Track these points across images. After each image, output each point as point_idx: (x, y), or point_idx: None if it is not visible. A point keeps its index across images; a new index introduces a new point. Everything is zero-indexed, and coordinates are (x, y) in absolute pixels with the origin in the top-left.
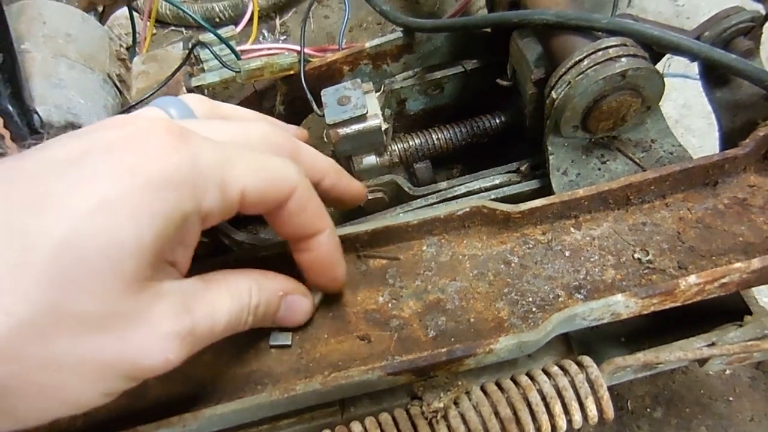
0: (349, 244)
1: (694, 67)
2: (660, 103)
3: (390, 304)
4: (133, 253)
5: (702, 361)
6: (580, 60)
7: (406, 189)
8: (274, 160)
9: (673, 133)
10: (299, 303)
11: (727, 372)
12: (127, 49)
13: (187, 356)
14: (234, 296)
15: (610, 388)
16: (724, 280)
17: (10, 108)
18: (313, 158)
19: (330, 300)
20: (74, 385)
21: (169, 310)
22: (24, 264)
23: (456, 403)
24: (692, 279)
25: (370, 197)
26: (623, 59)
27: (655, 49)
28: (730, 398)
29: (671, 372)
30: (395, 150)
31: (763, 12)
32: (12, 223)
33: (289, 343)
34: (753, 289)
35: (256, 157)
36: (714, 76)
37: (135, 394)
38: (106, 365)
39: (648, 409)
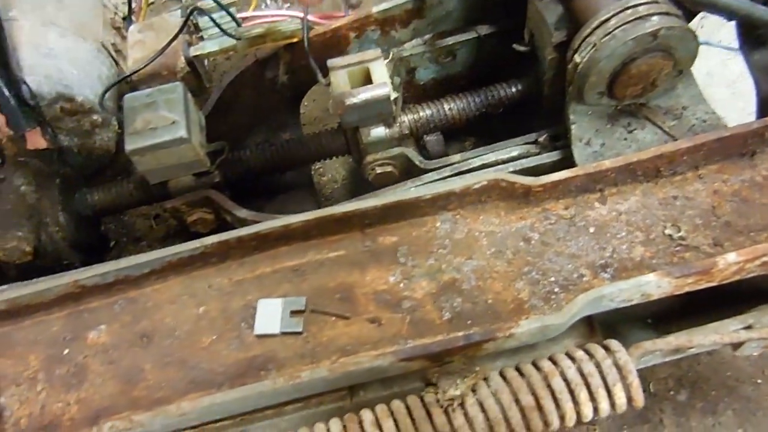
0: (356, 221)
1: (718, 34)
2: None
3: (401, 285)
4: None
5: (736, 345)
6: (607, 19)
7: (417, 162)
8: None
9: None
10: None
11: (755, 353)
12: (123, 17)
13: None
14: None
15: None
16: (766, 258)
17: None
18: None
19: (336, 279)
20: None
21: None
22: None
23: (474, 390)
24: (731, 257)
25: (378, 171)
26: (655, 18)
27: (688, 6)
28: (759, 380)
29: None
30: (405, 121)
31: None
32: None
33: (301, 330)
34: None
35: None
36: (753, 37)
37: (129, 381)
38: None
39: (671, 392)
